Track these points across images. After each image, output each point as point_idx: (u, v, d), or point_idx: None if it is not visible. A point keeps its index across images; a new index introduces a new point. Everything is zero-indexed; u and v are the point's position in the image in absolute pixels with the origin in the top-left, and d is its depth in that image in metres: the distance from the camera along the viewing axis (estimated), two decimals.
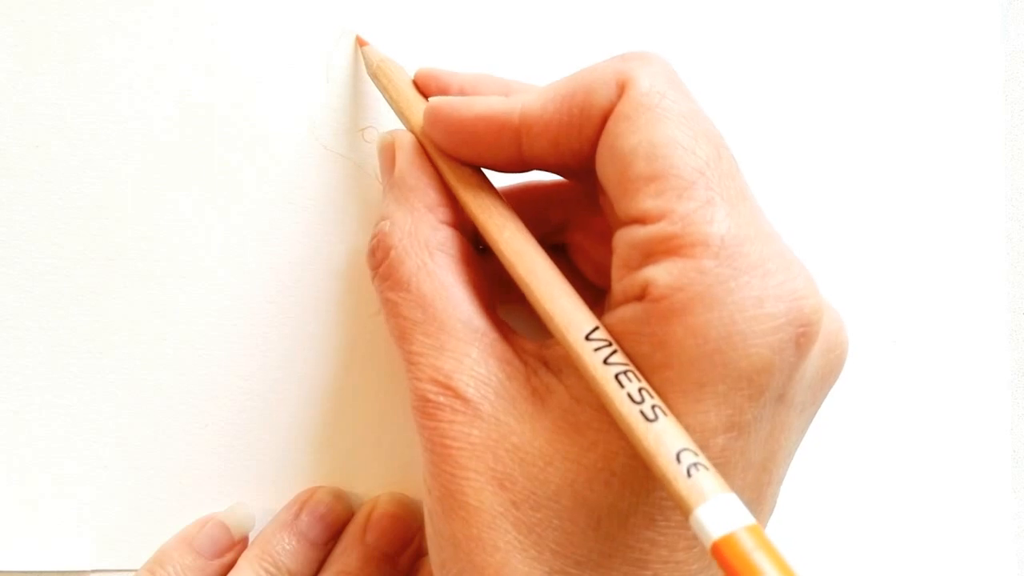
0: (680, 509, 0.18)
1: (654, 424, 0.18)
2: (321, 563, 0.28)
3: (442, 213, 0.23)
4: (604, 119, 0.21)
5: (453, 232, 0.23)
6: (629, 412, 0.18)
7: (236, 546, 0.28)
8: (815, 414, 0.22)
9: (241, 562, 0.27)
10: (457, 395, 0.21)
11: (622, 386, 0.19)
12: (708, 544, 0.17)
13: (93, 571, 0.28)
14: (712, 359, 0.19)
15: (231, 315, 0.29)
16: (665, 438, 0.18)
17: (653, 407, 0.18)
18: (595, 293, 0.25)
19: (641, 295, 0.19)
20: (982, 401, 0.31)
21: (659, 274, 0.19)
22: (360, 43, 0.28)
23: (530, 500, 0.20)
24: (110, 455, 0.28)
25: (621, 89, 0.21)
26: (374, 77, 0.27)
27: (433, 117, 0.24)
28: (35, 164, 0.29)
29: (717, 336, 0.19)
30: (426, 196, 0.24)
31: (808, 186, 0.31)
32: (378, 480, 0.29)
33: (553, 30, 0.30)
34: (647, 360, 0.19)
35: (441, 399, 0.21)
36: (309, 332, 0.29)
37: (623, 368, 0.19)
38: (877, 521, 0.30)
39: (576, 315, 0.20)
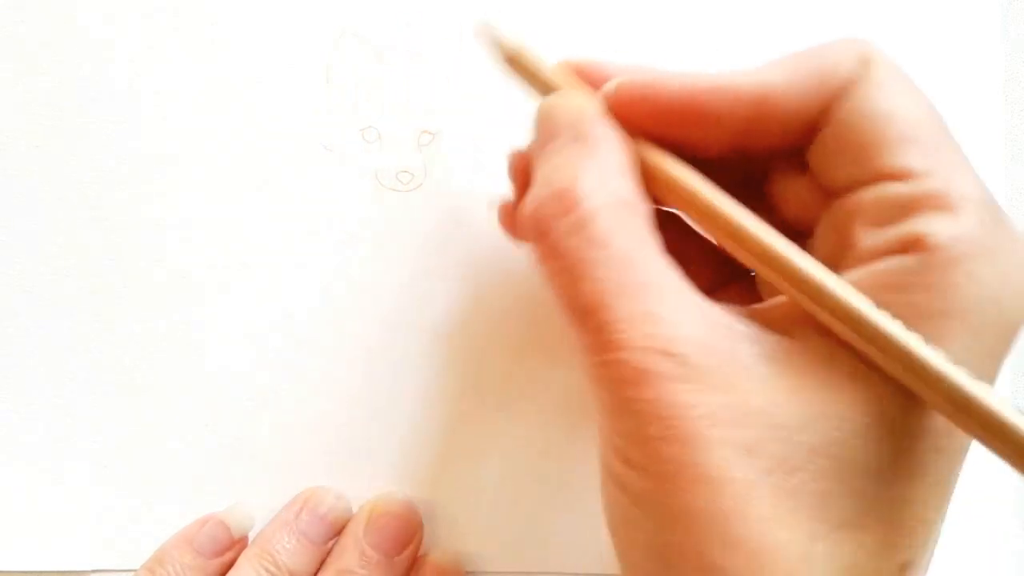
0: None
1: (980, 384, 0.19)
2: (321, 562, 0.28)
3: (633, 179, 0.22)
4: (843, 89, 0.21)
5: (643, 200, 0.22)
6: (955, 374, 0.19)
7: (236, 545, 0.28)
8: None
9: (241, 561, 0.27)
10: (683, 362, 0.19)
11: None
12: None
13: (93, 571, 0.28)
14: (992, 306, 0.19)
15: (230, 314, 0.29)
16: (994, 396, 0.19)
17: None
18: (792, 236, 0.23)
19: (907, 248, 0.20)
20: None
21: (936, 226, 0.19)
22: (483, 29, 0.25)
23: (784, 465, 0.19)
24: (110, 455, 0.28)
25: (864, 62, 0.21)
26: (511, 62, 0.24)
27: (636, 95, 0.22)
28: (35, 164, 0.29)
29: (997, 285, 0.19)
30: (620, 157, 0.22)
31: None
32: (378, 480, 0.29)
33: (549, 27, 0.30)
34: (922, 309, 0.19)
35: (663, 367, 0.19)
36: (308, 331, 0.29)
37: (922, 336, 0.19)
38: None
39: (850, 288, 0.20)
